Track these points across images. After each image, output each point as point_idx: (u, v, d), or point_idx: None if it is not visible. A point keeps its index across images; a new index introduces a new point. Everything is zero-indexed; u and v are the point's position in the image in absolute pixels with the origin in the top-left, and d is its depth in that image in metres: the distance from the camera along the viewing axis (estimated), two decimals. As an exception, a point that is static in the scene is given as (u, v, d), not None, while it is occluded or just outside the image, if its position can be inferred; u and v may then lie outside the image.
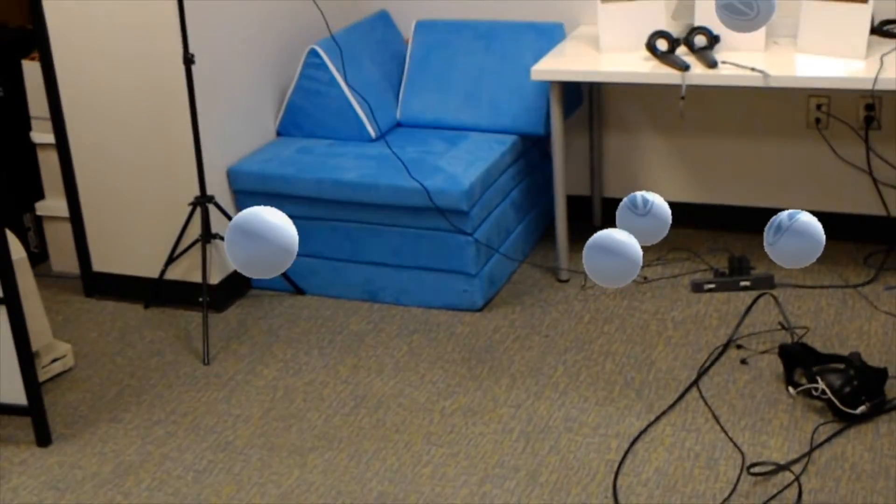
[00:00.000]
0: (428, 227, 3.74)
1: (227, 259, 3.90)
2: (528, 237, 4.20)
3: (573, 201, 4.31)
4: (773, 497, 2.78)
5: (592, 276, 1.98)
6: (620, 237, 1.96)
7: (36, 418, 3.17)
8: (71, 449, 3.18)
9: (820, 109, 4.07)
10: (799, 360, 3.26)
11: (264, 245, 1.63)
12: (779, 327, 3.57)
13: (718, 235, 4.17)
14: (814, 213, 4.46)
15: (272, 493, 2.93)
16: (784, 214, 2.00)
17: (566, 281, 4.00)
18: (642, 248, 1.98)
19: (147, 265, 3.95)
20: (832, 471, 2.87)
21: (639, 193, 2.07)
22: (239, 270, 1.68)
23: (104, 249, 4.04)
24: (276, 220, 1.65)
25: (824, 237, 1.99)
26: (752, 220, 4.21)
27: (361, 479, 2.96)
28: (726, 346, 3.50)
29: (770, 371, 3.34)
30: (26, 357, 3.09)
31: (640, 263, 1.96)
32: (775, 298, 3.65)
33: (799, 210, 2.02)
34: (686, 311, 3.75)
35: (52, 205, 4.20)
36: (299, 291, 4.00)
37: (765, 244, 2.02)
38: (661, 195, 2.11)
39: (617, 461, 2.97)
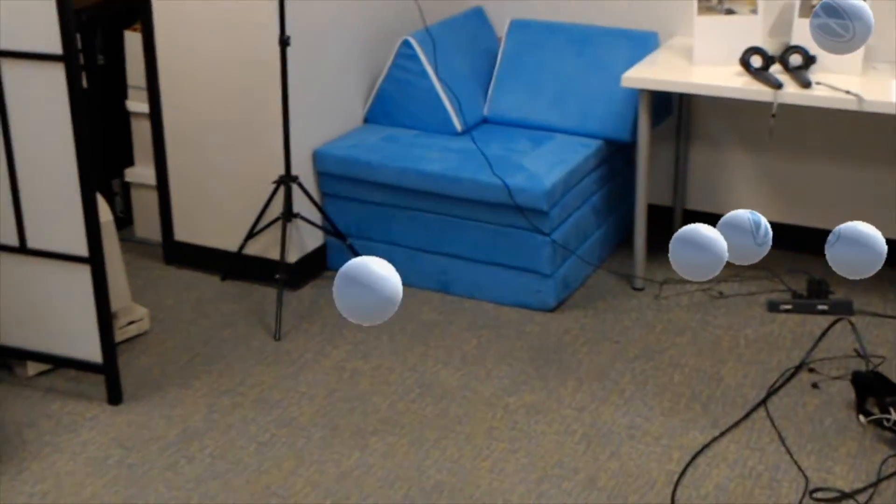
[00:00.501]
0: (506, 225, 3.75)
1: (305, 238, 3.96)
2: (606, 243, 4.19)
3: (654, 210, 4.29)
4: (834, 523, 2.75)
5: (678, 268, 1.99)
6: (709, 232, 1.96)
7: (109, 377, 3.25)
8: (140, 409, 3.25)
9: (914, 138, 4.00)
10: (872, 389, 3.21)
11: (371, 294, 1.70)
12: (854, 354, 3.52)
13: (799, 257, 4.12)
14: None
15: (331, 472, 2.97)
16: (844, 224, 1.98)
17: (641, 289, 3.98)
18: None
19: (227, 238, 4.02)
20: (897, 503, 2.83)
21: (762, 219, 2.04)
22: (345, 316, 1.75)
23: (187, 219, 4.12)
24: (382, 272, 1.72)
25: (884, 247, 1.95)
26: (835, 245, 4.16)
27: (420, 467, 2.99)
28: (798, 369, 3.46)
29: (841, 398, 3.30)
30: (105, 317, 3.17)
31: (725, 258, 1.97)
32: (852, 324, 3.59)
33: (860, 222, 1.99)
34: (760, 330, 3.71)
35: (141, 172, 4.30)
36: (374, 277, 4.03)
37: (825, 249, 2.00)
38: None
39: (677, 473, 2.95)
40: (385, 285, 1.71)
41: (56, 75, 2.94)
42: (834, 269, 1.98)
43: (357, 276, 1.71)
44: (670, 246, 1.99)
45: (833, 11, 2.01)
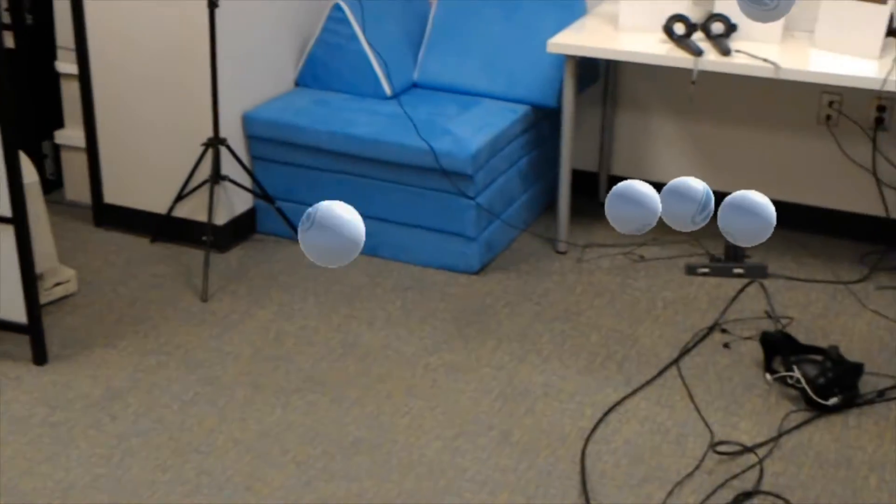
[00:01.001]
0: (432, 188, 3.82)
1: (234, 201, 4.00)
2: (532, 207, 4.27)
3: (581, 176, 4.38)
4: (735, 476, 2.86)
5: (612, 219, 2.02)
6: (645, 189, 1.99)
7: (34, 337, 3.28)
8: (65, 369, 3.29)
9: (832, 106, 4.11)
10: (779, 348, 3.32)
11: (334, 237, 1.73)
12: (765, 315, 3.63)
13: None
14: (815, 209, 4.50)
15: (252, 429, 3.03)
16: (735, 193, 2.00)
17: (564, 253, 4.07)
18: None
19: (157, 200, 4.05)
20: (796, 457, 2.95)
21: (712, 201, 2.00)
22: (311, 259, 1.80)
23: (116, 182, 4.14)
24: (346, 215, 1.75)
25: (773, 215, 1.95)
26: (754, 210, 4.27)
27: (340, 423, 3.06)
28: (711, 329, 3.57)
29: (751, 357, 3.41)
30: (29, 277, 3.20)
31: (658, 212, 1.98)
32: (764, 287, 3.70)
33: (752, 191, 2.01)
34: (677, 293, 3.81)
35: (71, 134, 4.30)
36: (303, 240, 4.08)
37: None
38: (666, 177, 2.12)
39: (589, 429, 3.05)
40: (350, 228, 1.74)
41: (-24, 36, 2.95)
42: (725, 236, 2.01)
43: (322, 219, 1.73)
44: (607, 199, 2.02)
45: None
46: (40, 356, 3.30)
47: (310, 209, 1.77)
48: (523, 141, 4.10)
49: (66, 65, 4.19)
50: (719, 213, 1.96)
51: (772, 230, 1.96)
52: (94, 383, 3.22)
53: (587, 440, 3.00)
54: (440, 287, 3.81)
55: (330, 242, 1.75)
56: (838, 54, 3.70)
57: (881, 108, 4.02)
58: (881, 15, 3.63)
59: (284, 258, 3.99)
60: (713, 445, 2.97)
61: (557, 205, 4.05)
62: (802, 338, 3.45)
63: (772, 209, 1.96)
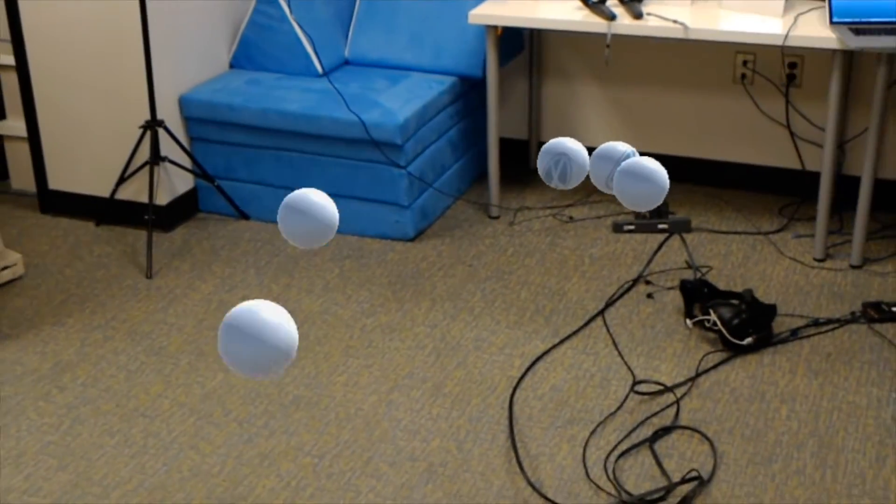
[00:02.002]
0: (364, 160, 3.96)
1: (174, 181, 4.12)
2: (464, 175, 4.42)
3: (511, 144, 4.53)
4: (655, 414, 3.03)
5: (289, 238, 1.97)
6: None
7: (-18, 317, 3.41)
8: (13, 347, 3.41)
9: (746, 66, 4.28)
10: (698, 295, 3.50)
11: (310, 220, 1.84)
12: (686, 266, 3.81)
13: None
14: (734, 165, 4.69)
15: (196, 393, 3.17)
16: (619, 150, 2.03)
17: (496, 217, 4.23)
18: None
19: (100, 184, 4.17)
20: (713, 394, 3.12)
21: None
22: (289, 240, 1.89)
23: (60, 169, 4.25)
24: (320, 200, 1.85)
25: (666, 181, 1.97)
26: (677, 169, 4.42)
27: (280, 384, 3.21)
28: (636, 281, 3.74)
29: (673, 306, 3.59)
30: (-26, 259, 3.32)
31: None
32: (683, 239, 3.88)
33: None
34: (604, 249, 3.98)
35: (13, 125, 4.41)
36: (243, 216, 4.22)
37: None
38: (594, 141, 2.13)
39: (517, 377, 3.21)
40: (324, 213, 1.84)
41: None
42: (622, 202, 2.01)
43: (298, 204, 1.84)
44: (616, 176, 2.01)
45: None
46: (-11, 336, 3.43)
47: (287, 197, 1.87)
48: (452, 111, 4.25)
49: (3, 56, 4.29)
50: (615, 178, 1.98)
51: (664, 195, 1.98)
52: (43, 359, 3.35)
53: (515, 388, 3.16)
54: (377, 255, 3.96)
55: (306, 224, 1.84)
56: (746, 14, 3.88)
57: (792, 65, 4.20)
58: (784, -26, 3.81)
59: (226, 234, 4.13)
60: (633, 385, 3.15)
61: (488, 172, 4.21)
62: (722, 286, 3.63)
63: (664, 175, 1.97)
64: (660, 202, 2.00)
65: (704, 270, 3.77)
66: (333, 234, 1.89)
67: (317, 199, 1.86)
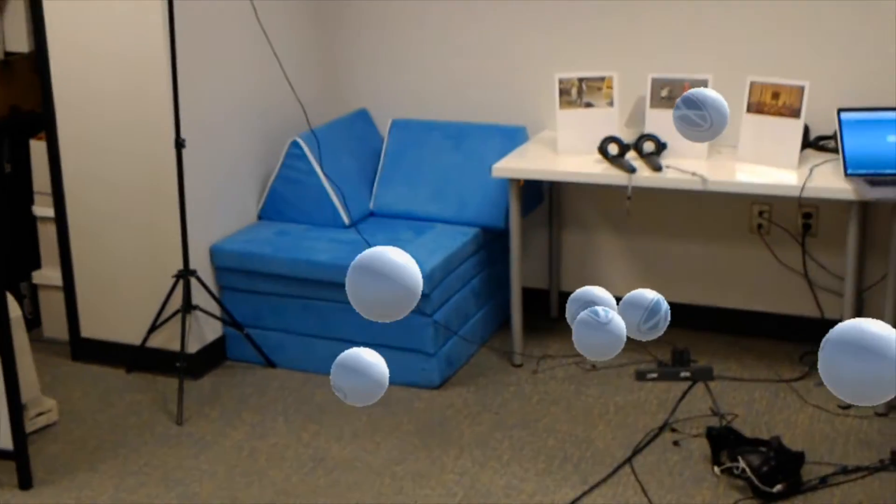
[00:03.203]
0: (392, 308, 4.04)
1: (204, 329, 4.20)
2: (487, 323, 4.50)
3: (532, 293, 4.62)
4: (687, 562, 3.04)
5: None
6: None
7: (20, 462, 3.44)
8: (50, 493, 3.44)
9: (762, 216, 4.41)
10: (725, 442, 3.53)
11: (389, 285, 1.59)
12: (710, 413, 3.85)
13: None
14: (754, 313, 4.76)
15: (229, 541, 3.19)
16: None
17: (520, 365, 4.28)
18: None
19: (132, 332, 4.25)
20: (744, 541, 3.13)
21: (662, 309, 2.06)
22: (361, 313, 1.65)
23: (92, 317, 4.34)
24: (401, 260, 1.61)
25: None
26: (696, 318, 4.53)
27: (312, 532, 3.22)
28: (661, 429, 3.78)
29: (700, 453, 3.61)
30: (15, 404, 3.37)
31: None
32: (708, 387, 3.93)
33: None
34: (628, 397, 4.03)
35: (48, 274, 4.52)
36: (270, 364, 4.29)
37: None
38: (614, 290, 2.17)
39: (548, 525, 3.23)
40: (405, 274, 1.60)
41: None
42: (831, 389, 1.49)
43: (373, 266, 1.60)
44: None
45: (692, 104, 2.14)
46: (25, 481, 3.45)
47: (359, 257, 1.64)
48: (475, 261, 4.36)
49: (42, 209, 4.43)
50: (820, 355, 1.49)
51: None
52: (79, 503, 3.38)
53: (547, 535, 3.18)
54: (404, 402, 4.01)
55: (384, 291, 1.59)
56: (761, 166, 4.02)
57: (807, 216, 4.32)
58: (796, 128, 3.96)
59: (254, 382, 4.19)
60: (665, 533, 3.16)
61: (511, 320, 4.29)
62: (748, 432, 3.66)
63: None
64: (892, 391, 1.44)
65: (730, 418, 3.81)
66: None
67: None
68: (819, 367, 1.42)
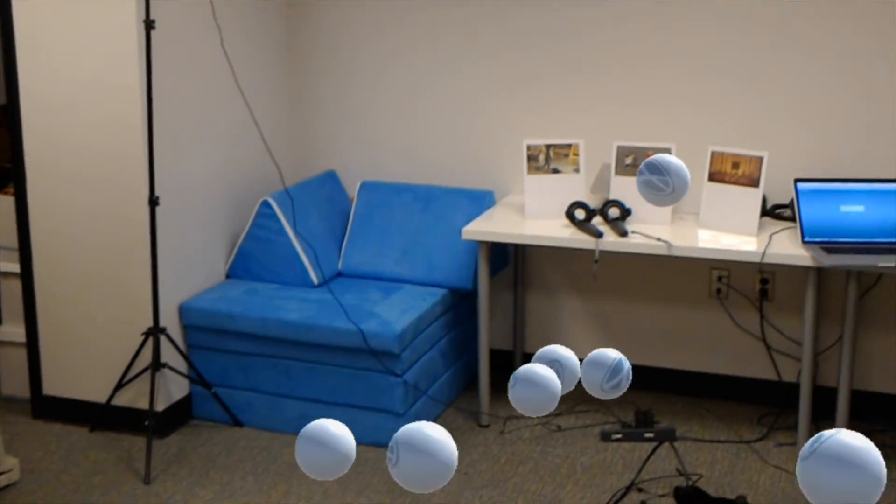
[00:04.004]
0: (361, 367, 4.08)
1: (171, 388, 4.18)
2: (454, 383, 4.54)
3: (498, 354, 4.67)
4: None
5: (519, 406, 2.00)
6: (543, 371, 2.04)
7: (-16, 523, 3.39)
8: (15, 554, 3.39)
9: (721, 281, 4.52)
10: (692, 502, 3.59)
11: (430, 460, 1.67)
12: (676, 473, 3.91)
13: (627, 390, 4.53)
14: (714, 375, 4.85)
15: None
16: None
17: (487, 426, 4.32)
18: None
19: (96, 390, 4.22)
20: None
21: (624, 370, 2.09)
22: (402, 485, 1.72)
23: (56, 374, 4.30)
24: (439, 436, 1.69)
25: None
26: (658, 379, 4.62)
27: (288, 591, 3.21)
28: (628, 489, 3.82)
29: (667, 512, 3.67)
30: (-19, 464, 3.33)
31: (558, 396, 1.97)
32: (674, 447, 3.98)
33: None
34: (594, 458, 4.08)
35: (9, 330, 4.47)
36: (237, 423, 4.28)
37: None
38: (579, 352, 2.18)
39: (523, 584, 3.25)
40: (441, 448, 1.68)
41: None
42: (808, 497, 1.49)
43: (415, 442, 1.68)
44: (509, 386, 2.05)
45: (655, 169, 2.16)
46: (-10, 542, 3.40)
47: (400, 433, 1.72)
48: (443, 321, 4.41)
49: (6, 264, 4.40)
50: (801, 469, 1.47)
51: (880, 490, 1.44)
52: (45, 566, 3.33)
53: None
54: (372, 462, 4.01)
55: (424, 465, 1.67)
56: (722, 233, 4.13)
57: (764, 281, 4.45)
58: (755, 196, 4.09)
59: (221, 441, 4.17)
60: (639, 592, 3.20)
61: (479, 381, 4.33)
62: (712, 492, 3.73)
63: (878, 459, 1.45)
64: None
65: (695, 478, 3.88)
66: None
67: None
68: (798, 475, 1.45)
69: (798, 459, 1.39)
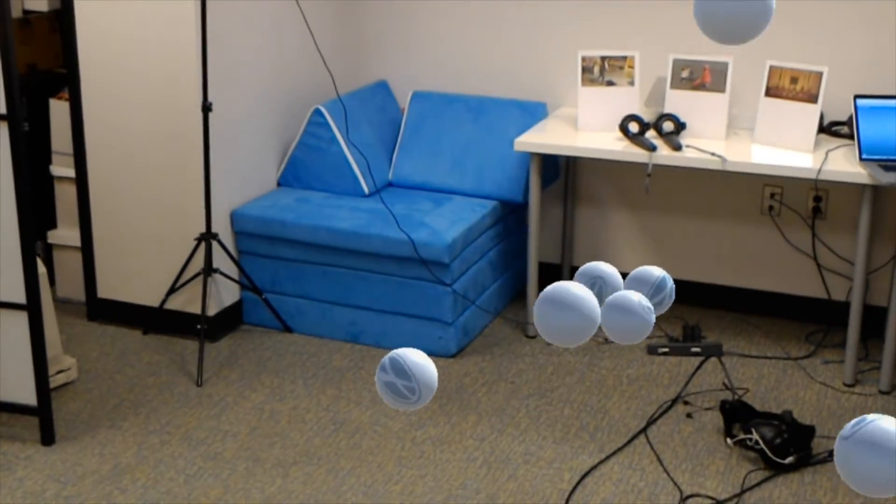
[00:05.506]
0: (411, 277, 4.10)
1: (222, 293, 4.24)
2: (503, 294, 4.56)
3: (546, 268, 4.68)
4: (705, 529, 3.12)
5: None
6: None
7: (43, 418, 3.48)
8: (72, 449, 3.48)
9: (773, 198, 4.48)
10: (737, 415, 3.61)
11: (572, 315, 1.71)
12: (722, 388, 3.93)
13: (675, 306, 4.52)
14: (762, 292, 4.83)
15: (256, 498, 3.24)
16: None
17: (534, 337, 4.35)
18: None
19: (149, 294, 4.28)
20: (759, 511, 3.22)
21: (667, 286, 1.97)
22: (546, 338, 1.76)
23: (110, 278, 4.37)
24: (581, 293, 1.73)
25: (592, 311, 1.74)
26: (706, 295, 4.61)
27: (338, 492, 3.28)
28: (674, 402, 3.85)
29: (712, 425, 3.69)
30: (41, 361, 3.41)
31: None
32: (721, 362, 4.00)
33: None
34: (640, 370, 4.10)
35: (64, 234, 4.54)
36: (287, 329, 4.33)
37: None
38: (625, 266, 2.06)
39: (568, 491, 3.30)
40: (584, 305, 1.72)
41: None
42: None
43: (558, 298, 1.73)
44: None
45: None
46: (48, 437, 3.49)
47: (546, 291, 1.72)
48: (493, 233, 4.42)
49: (61, 168, 4.45)
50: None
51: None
52: (102, 461, 3.42)
53: (567, 501, 3.25)
54: (420, 369, 4.06)
55: (568, 320, 1.71)
56: (777, 149, 4.09)
57: (817, 199, 4.40)
58: (813, 113, 4.03)
59: (271, 346, 4.23)
60: (684, 500, 3.23)
61: (526, 293, 4.35)
62: (758, 407, 3.74)
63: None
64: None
65: (741, 392, 3.89)
66: (594, 330, 1.76)
67: (578, 293, 1.75)
68: (835, 454, 1.44)
69: (838, 437, 1.39)
